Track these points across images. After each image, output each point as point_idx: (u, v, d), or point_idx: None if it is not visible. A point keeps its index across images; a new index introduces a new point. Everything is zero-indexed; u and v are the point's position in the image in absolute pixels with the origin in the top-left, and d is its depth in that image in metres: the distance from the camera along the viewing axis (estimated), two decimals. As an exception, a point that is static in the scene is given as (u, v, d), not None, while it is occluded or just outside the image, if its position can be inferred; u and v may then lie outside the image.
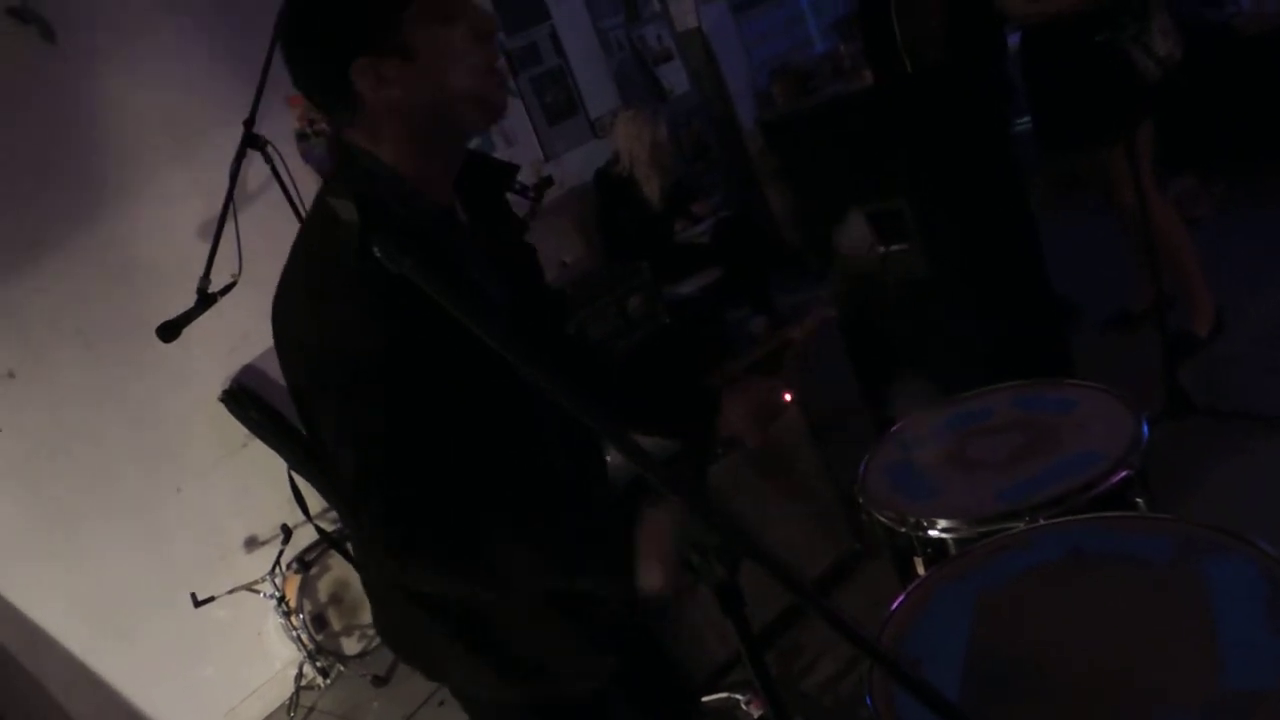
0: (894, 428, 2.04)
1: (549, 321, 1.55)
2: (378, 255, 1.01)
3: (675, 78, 5.79)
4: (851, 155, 3.06)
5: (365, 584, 1.58)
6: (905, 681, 0.98)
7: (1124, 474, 1.58)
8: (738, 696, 2.61)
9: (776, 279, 4.97)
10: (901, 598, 1.48)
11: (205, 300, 2.82)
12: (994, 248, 2.93)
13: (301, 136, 4.07)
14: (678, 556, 1.02)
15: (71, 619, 3.33)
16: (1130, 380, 2.65)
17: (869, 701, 1.27)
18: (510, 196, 1.55)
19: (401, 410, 1.18)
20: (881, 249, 2.97)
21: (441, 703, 3.18)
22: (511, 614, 1.36)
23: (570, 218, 4.94)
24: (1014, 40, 3.65)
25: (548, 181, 4.40)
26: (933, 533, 1.66)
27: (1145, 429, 1.67)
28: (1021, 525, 1.55)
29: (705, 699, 2.64)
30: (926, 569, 1.64)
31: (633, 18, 5.61)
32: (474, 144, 1.42)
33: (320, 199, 1.25)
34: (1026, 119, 3.80)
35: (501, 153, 4.82)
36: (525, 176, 4.96)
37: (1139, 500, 1.63)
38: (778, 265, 5.05)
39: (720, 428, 1.62)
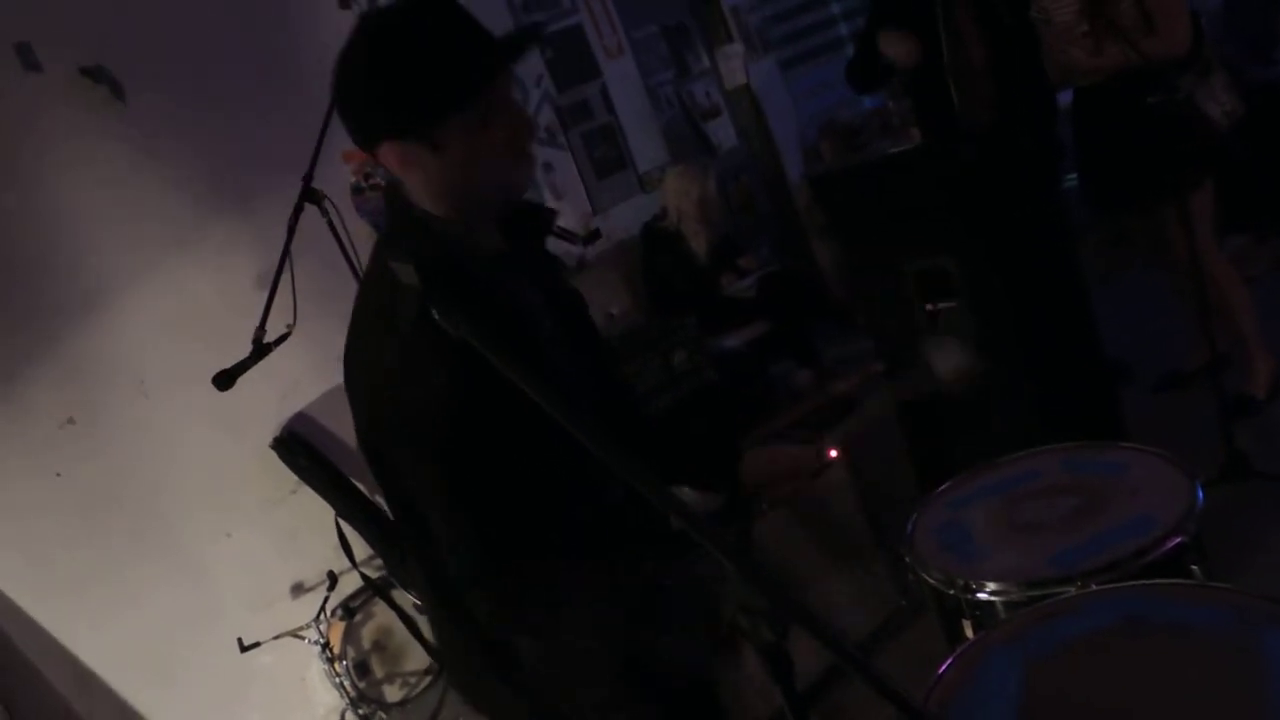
0: (941, 488, 2.02)
1: (604, 364, 1.59)
2: (437, 319, 1.04)
3: (723, 133, 5.86)
4: (899, 212, 3.06)
5: (433, 627, 1.61)
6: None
7: (1179, 540, 1.55)
8: (780, 757, 2.57)
9: (822, 333, 4.96)
10: (950, 660, 1.45)
11: (260, 350, 2.89)
12: (1043, 307, 2.91)
13: (357, 190, 4.17)
14: (725, 623, 1.03)
15: (119, 661, 3.36)
16: (1185, 442, 2.61)
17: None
18: (555, 242, 1.59)
19: (477, 453, 1.23)
20: (929, 307, 2.96)
21: (481, 754, 3.16)
22: (573, 664, 1.37)
23: (617, 271, 4.99)
24: (1065, 99, 3.66)
25: (595, 234, 4.47)
26: (982, 595, 1.64)
27: (1200, 493, 1.64)
28: (1073, 590, 1.53)
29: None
30: (975, 632, 1.62)
31: (682, 74, 5.71)
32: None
33: (379, 257, 1.29)
34: (1074, 177, 3.80)
35: (550, 206, 4.90)
36: (574, 229, 5.06)
37: (1194, 568, 1.59)
38: (823, 319, 5.04)
39: (745, 477, 1.62)
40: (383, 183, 4.27)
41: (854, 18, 6.17)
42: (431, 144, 1.23)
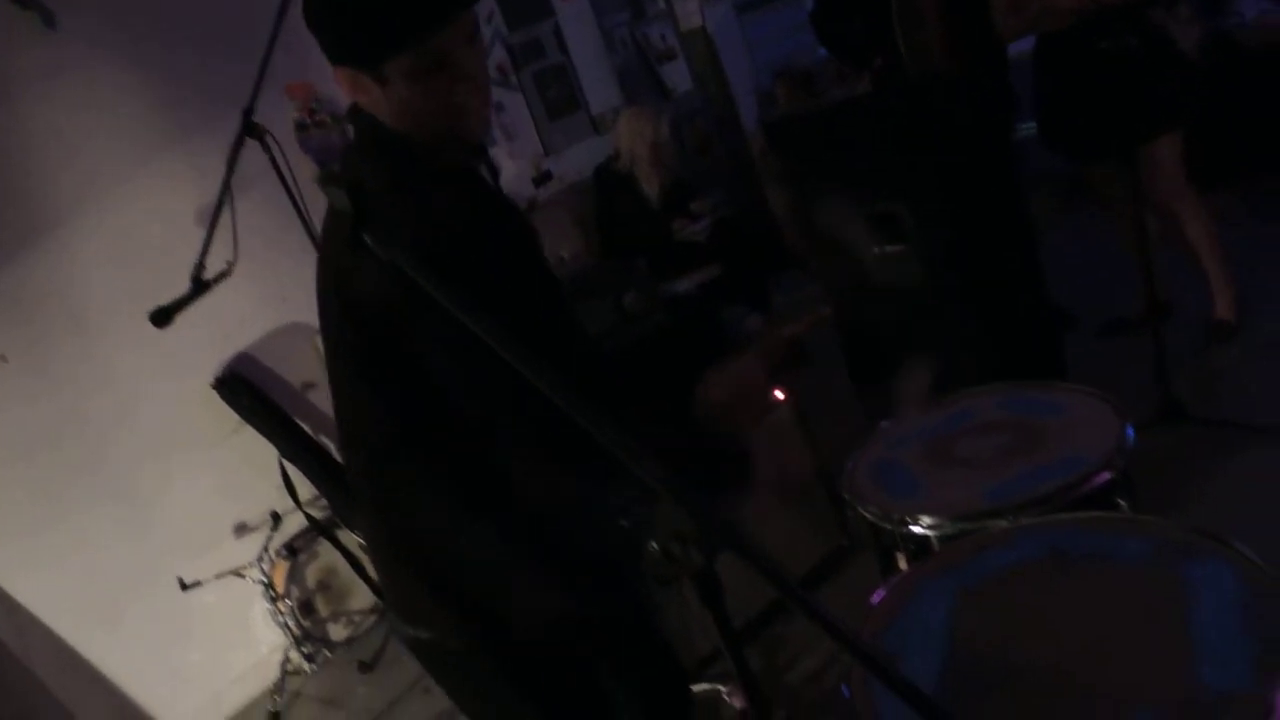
0: (882, 425, 2.04)
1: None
2: (369, 241, 1.02)
3: (678, 76, 5.79)
4: (852, 158, 3.06)
5: (375, 558, 1.60)
6: (881, 674, 0.98)
7: (1107, 476, 1.59)
8: (720, 688, 2.62)
9: (774, 279, 4.98)
10: (882, 592, 1.48)
11: (199, 287, 2.83)
12: (989, 253, 2.93)
13: (301, 126, 4.07)
14: (658, 547, 1.03)
15: (59, 603, 3.33)
16: (1125, 388, 2.66)
17: (846, 693, 1.27)
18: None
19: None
20: (876, 249, 2.97)
21: (427, 689, 3.18)
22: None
23: (569, 213, 4.94)
24: (1026, 46, 3.67)
25: (546, 175, 4.42)
26: (916, 529, 1.66)
27: (1130, 433, 1.68)
28: (1004, 524, 1.56)
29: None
30: (909, 565, 1.65)
31: (638, 15, 5.62)
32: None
33: (324, 176, 1.28)
34: (1031, 124, 3.81)
35: (502, 147, 4.83)
36: (525, 170, 5.00)
37: (1122, 503, 1.63)
38: (776, 265, 5.06)
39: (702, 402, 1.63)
40: (328, 119, 4.18)
41: (812, -39, 6.10)
42: (379, 79, 1.28)
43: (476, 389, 1.27)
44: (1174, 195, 3.36)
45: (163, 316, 2.77)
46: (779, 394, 1.90)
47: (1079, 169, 3.77)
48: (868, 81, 3.57)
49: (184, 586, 3.36)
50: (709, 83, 5.88)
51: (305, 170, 3.69)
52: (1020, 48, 4.22)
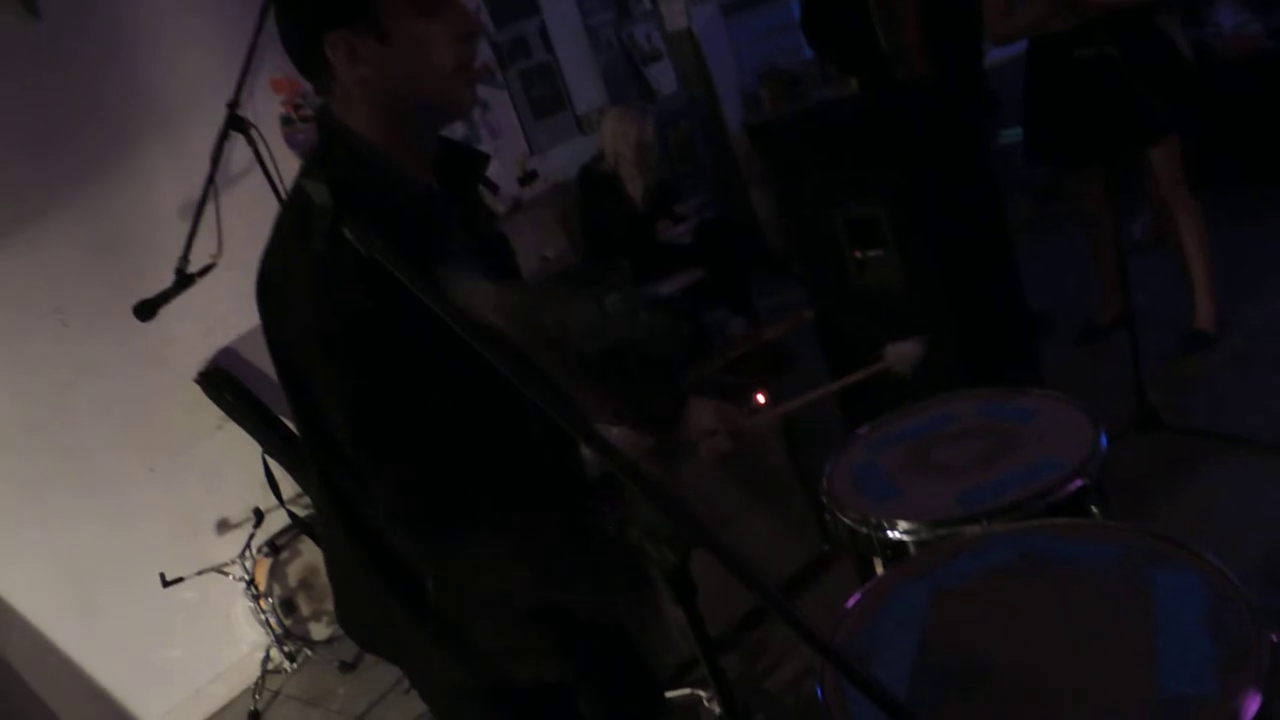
0: (860, 431, 2.07)
1: None
2: (348, 238, 1.03)
3: (664, 78, 5.82)
4: (833, 160, 3.08)
5: (330, 569, 1.59)
6: (852, 676, 1.00)
7: (1079, 483, 1.61)
8: (700, 693, 2.64)
9: (758, 282, 5.00)
10: (858, 595, 1.50)
11: (183, 280, 2.83)
12: (967, 258, 2.97)
13: (286, 121, 4.07)
14: (636, 539, 1.04)
15: (37, 593, 3.33)
16: (1101, 394, 2.70)
17: (819, 694, 1.30)
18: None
19: (392, 375, 1.21)
20: (857, 254, 3.00)
21: (408, 690, 3.19)
22: (480, 606, 1.36)
23: (553, 213, 4.96)
24: (1014, 51, 3.71)
25: (531, 175, 4.42)
26: (892, 534, 1.69)
27: (1104, 440, 1.71)
28: (978, 529, 1.59)
29: (669, 694, 2.67)
30: (885, 569, 1.67)
31: (623, 15, 5.64)
32: (460, 135, 1.45)
33: (297, 182, 1.27)
34: (1015, 130, 3.84)
35: (486, 145, 4.83)
36: (510, 169, 5.00)
37: (1094, 509, 1.65)
38: (759, 268, 5.08)
39: (686, 425, 1.65)
40: (313, 115, 4.17)
41: (799, -36, 6.14)
42: (378, 33, 1.21)
43: (362, 431, 1.23)
44: (1173, 198, 3.40)
45: (146, 309, 2.77)
46: (760, 397, 1.94)
47: (1058, 176, 3.81)
48: (853, 84, 3.61)
49: (165, 583, 3.36)
50: (694, 84, 5.90)
51: (290, 166, 3.68)
52: (1004, 53, 4.28)
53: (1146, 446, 2.96)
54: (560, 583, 1.29)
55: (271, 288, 1.27)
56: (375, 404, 1.21)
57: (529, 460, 1.38)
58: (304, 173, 1.26)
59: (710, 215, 4.98)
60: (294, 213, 1.27)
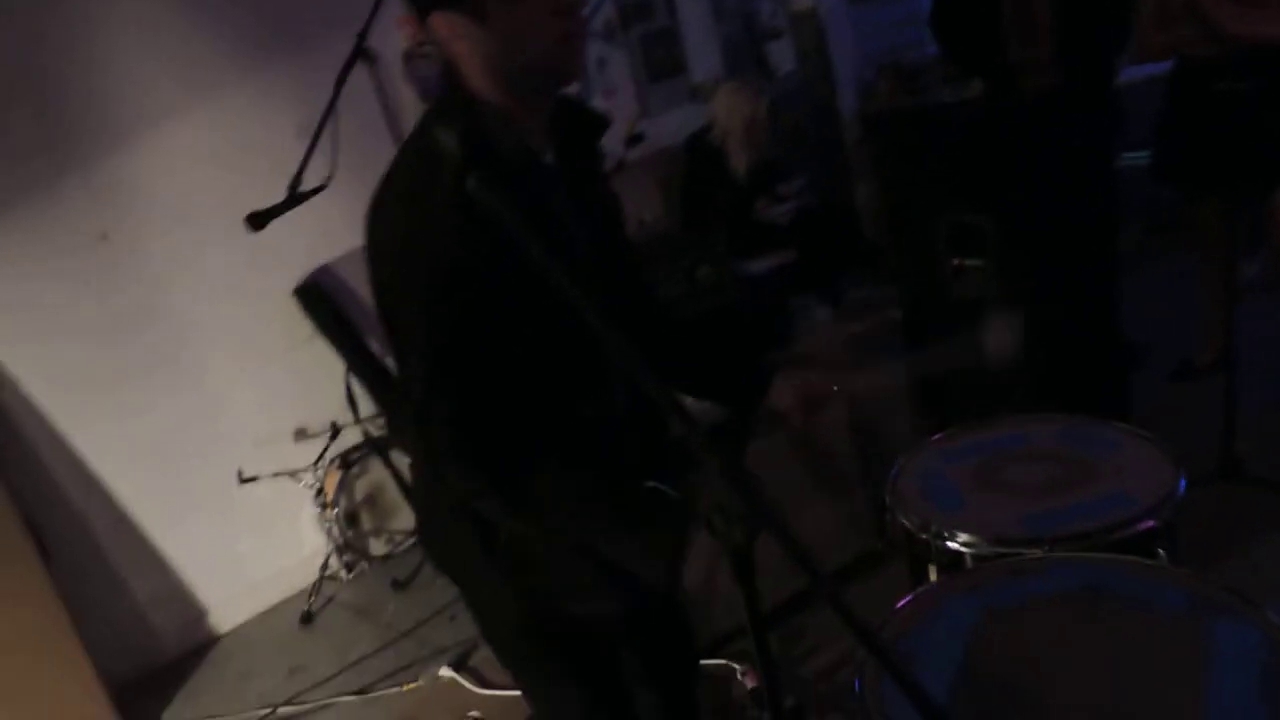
0: (935, 437, 2.06)
1: (626, 272, 1.60)
2: (471, 187, 1.07)
3: (783, 56, 5.75)
4: (945, 162, 3.04)
5: (413, 491, 1.66)
6: (894, 673, 1.02)
7: (1150, 524, 1.60)
8: (735, 666, 2.68)
9: (849, 273, 4.95)
10: (909, 598, 1.52)
11: (295, 198, 2.91)
12: (1068, 281, 2.91)
13: (408, 57, 4.14)
14: (706, 511, 1.07)
15: (124, 469, 3.52)
16: (1189, 435, 2.60)
17: (857, 686, 1.32)
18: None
19: (474, 327, 1.27)
20: (955, 261, 2.97)
21: (453, 617, 3.30)
22: (547, 546, 1.43)
23: (655, 177, 4.96)
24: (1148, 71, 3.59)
25: (639, 137, 4.42)
26: (952, 544, 1.69)
27: (1182, 485, 1.68)
28: (1040, 553, 1.58)
29: (703, 662, 2.71)
30: (940, 578, 1.68)
31: (751, -13, 5.59)
32: (574, 90, 1.47)
33: (425, 123, 1.31)
34: (1141, 153, 3.72)
35: (599, 104, 4.85)
36: (618, 129, 5.01)
37: (1161, 551, 1.64)
38: (853, 258, 5.03)
39: (769, 404, 1.66)
40: (433, 52, 4.24)
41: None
42: (476, 12, 1.25)
43: (416, 364, 1.30)
44: None
45: (258, 220, 2.86)
46: (834, 387, 1.94)
47: (1179, 203, 3.68)
48: (976, 87, 3.53)
49: (242, 480, 3.51)
50: (812, 66, 5.82)
51: (406, 98, 3.76)
52: (1137, 73, 4.13)
53: (1227, 496, 2.88)
54: (598, 529, 1.34)
55: (382, 220, 1.32)
56: (449, 358, 1.27)
57: (600, 421, 1.43)
58: (432, 118, 1.31)
59: (811, 200, 4.93)
60: (417, 155, 1.31)
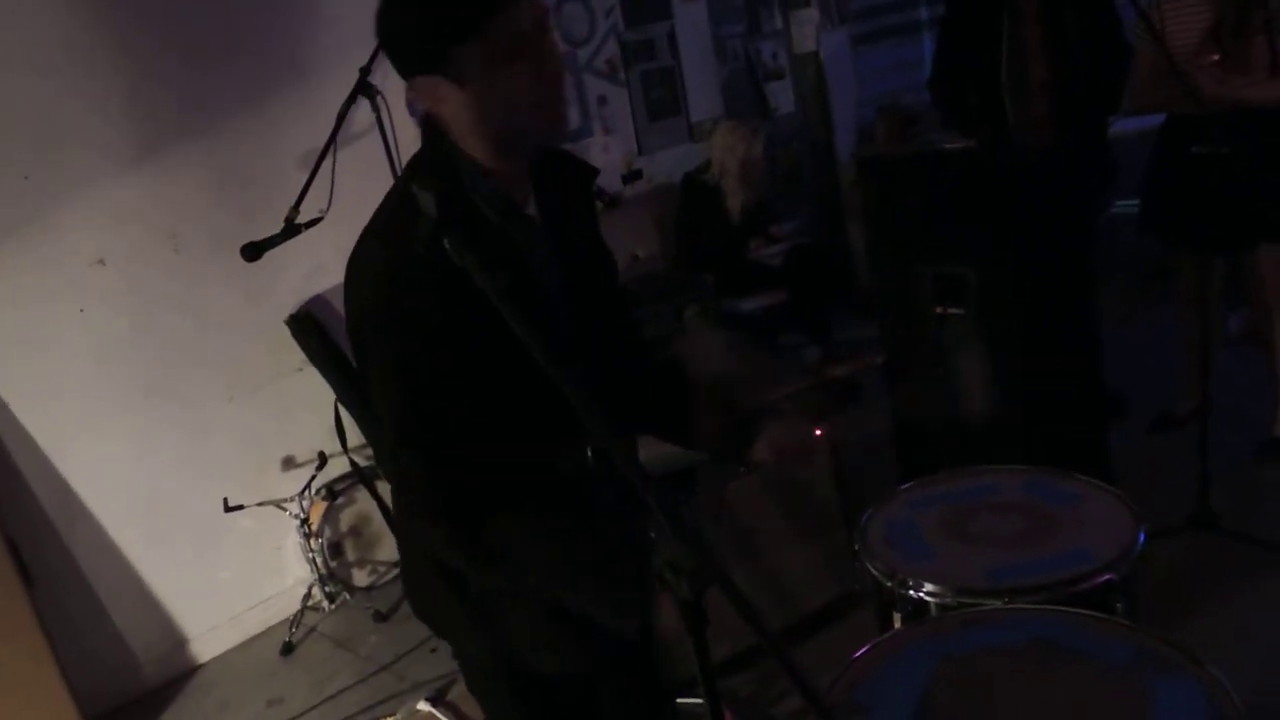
0: (904, 486, 2.10)
1: (611, 318, 1.59)
2: (446, 248, 1.12)
3: (783, 97, 5.85)
4: (934, 210, 3.09)
5: (399, 538, 1.68)
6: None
7: (1108, 578, 1.63)
8: (709, 706, 2.68)
9: (839, 315, 5.00)
10: (866, 648, 1.55)
11: (291, 229, 2.96)
12: (1048, 333, 2.96)
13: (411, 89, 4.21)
14: (657, 565, 1.10)
15: (109, 493, 3.52)
16: (1163, 487, 2.64)
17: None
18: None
19: (445, 381, 1.30)
20: (938, 309, 3.02)
21: (434, 649, 3.31)
22: (511, 599, 1.45)
23: (651, 214, 5.03)
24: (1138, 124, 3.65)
25: (636, 174, 4.50)
26: (915, 593, 1.73)
27: (1141, 538, 1.72)
28: (999, 604, 1.62)
29: (681, 700, 2.72)
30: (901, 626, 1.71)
31: (753, 30, 5.68)
32: (574, 125, 1.50)
33: (406, 180, 1.36)
34: (1130, 202, 3.77)
35: (598, 140, 4.94)
36: (616, 166, 5.08)
37: (1118, 605, 1.67)
38: (843, 300, 5.09)
39: (753, 453, 1.65)
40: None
41: (936, 2, 6.09)
42: (457, 79, 1.27)
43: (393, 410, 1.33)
44: (1275, 301, 3.34)
45: (254, 251, 2.90)
46: (816, 431, 1.97)
47: (1168, 256, 3.73)
48: (972, 141, 3.59)
49: (227, 508, 3.53)
50: (811, 108, 5.92)
51: (407, 133, 3.82)
52: (1128, 125, 4.20)
53: (1198, 547, 2.91)
54: (565, 583, 1.35)
55: (360, 269, 1.35)
56: (414, 413, 1.31)
57: (570, 474, 1.46)
58: (412, 175, 1.35)
59: (804, 242, 5.00)
60: (399, 209, 1.34)
